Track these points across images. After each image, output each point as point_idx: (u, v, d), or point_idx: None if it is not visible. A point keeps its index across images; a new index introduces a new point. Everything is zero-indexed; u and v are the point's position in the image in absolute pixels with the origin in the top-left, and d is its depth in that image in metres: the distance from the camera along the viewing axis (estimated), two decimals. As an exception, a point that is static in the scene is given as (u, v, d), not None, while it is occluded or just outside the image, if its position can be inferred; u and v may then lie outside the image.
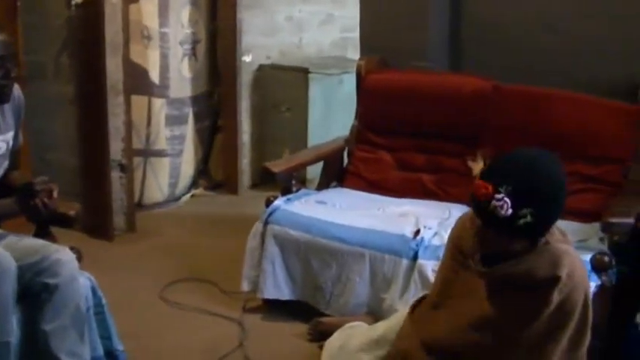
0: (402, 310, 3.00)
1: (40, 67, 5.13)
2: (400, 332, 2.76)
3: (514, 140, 3.99)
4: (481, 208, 2.29)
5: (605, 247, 3.40)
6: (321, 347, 3.22)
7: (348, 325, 3.28)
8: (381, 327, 2.97)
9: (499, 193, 2.24)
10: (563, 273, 2.33)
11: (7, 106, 3.12)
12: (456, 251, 2.63)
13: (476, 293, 2.49)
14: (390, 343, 2.81)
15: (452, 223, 3.69)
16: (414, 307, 2.82)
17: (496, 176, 2.28)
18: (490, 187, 2.25)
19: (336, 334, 3.17)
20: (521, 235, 2.31)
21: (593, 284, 3.12)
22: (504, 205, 2.22)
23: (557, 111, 4.09)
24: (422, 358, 2.60)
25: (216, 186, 6.22)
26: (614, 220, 3.34)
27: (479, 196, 2.28)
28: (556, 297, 2.33)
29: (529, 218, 2.24)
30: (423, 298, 2.87)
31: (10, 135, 3.16)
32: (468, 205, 3.78)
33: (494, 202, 2.24)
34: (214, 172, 6.24)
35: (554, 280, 2.32)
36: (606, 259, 3.27)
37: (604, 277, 3.26)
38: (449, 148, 4.38)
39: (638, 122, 3.91)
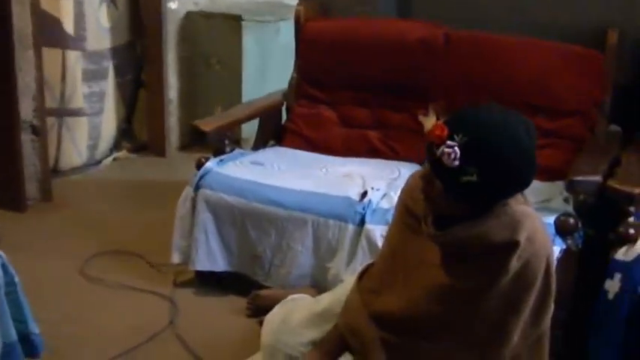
0: (349, 280, 2.99)
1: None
2: (347, 304, 2.76)
3: (468, 92, 4.05)
4: (431, 152, 2.29)
5: (569, 208, 3.43)
6: (260, 323, 3.21)
7: (290, 297, 3.27)
8: (326, 299, 2.97)
9: (452, 140, 2.23)
10: (522, 237, 2.32)
11: None
12: (407, 213, 2.62)
13: (429, 260, 2.48)
14: (336, 316, 2.80)
15: (402, 183, 3.68)
16: (362, 276, 2.82)
17: (456, 123, 2.27)
18: (445, 132, 2.25)
19: (276, 308, 3.16)
20: (463, 194, 2.30)
21: (557, 249, 3.15)
22: (452, 155, 2.22)
23: (514, 59, 4.10)
24: (372, 332, 2.60)
25: (140, 148, 6.17)
26: (579, 177, 3.35)
27: (431, 137, 2.27)
28: (514, 264, 2.33)
29: (474, 177, 2.22)
30: (370, 265, 2.87)
31: None
32: (419, 163, 3.83)
33: (444, 148, 2.23)
34: (138, 132, 6.19)
35: (513, 245, 2.32)
36: (571, 221, 3.30)
37: (569, 241, 3.28)
38: (397, 103, 4.39)
39: (603, 69, 3.93)
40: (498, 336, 2.44)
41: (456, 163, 2.23)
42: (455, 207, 2.37)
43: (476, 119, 2.30)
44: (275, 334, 2.96)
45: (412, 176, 2.70)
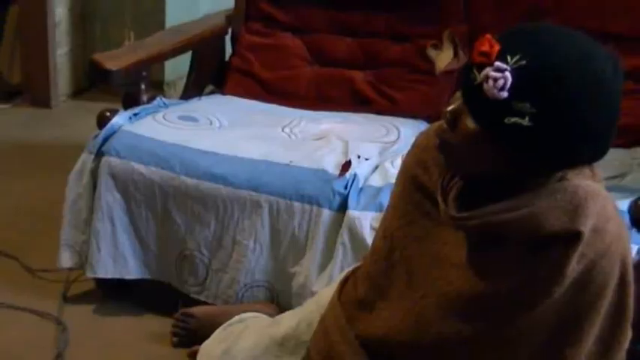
0: (324, 292, 3.02)
1: None
2: (322, 325, 2.78)
3: (502, 12, 4.04)
4: (469, 75, 2.25)
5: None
6: (192, 355, 3.24)
7: (236, 317, 3.29)
8: (290, 320, 3.00)
9: (504, 61, 2.20)
10: (587, 227, 2.29)
11: None
12: (415, 188, 2.63)
13: (448, 258, 2.50)
14: (304, 345, 2.83)
15: (402, 149, 3.76)
16: (344, 283, 2.83)
17: (512, 40, 2.23)
18: (496, 48, 2.20)
19: (216, 333, 3.18)
20: (504, 144, 2.26)
21: (634, 248, 3.10)
22: (500, 80, 2.15)
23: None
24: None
25: (12, 94, 6.17)
26: None
27: (476, 54, 2.22)
28: (574, 266, 2.30)
29: (525, 120, 2.16)
30: (357, 268, 2.88)
31: None
32: (429, 119, 3.85)
33: (489, 71, 2.18)
34: (9, 72, 6.19)
35: (572, 237, 2.29)
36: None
37: (651, 237, 3.28)
38: (394, 27, 4.41)
39: None
40: None
41: (504, 94, 2.17)
42: (489, 164, 2.34)
43: (541, 39, 2.24)
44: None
45: (423, 134, 2.68)
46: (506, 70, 2.15)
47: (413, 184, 2.62)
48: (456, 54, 4.23)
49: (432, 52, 4.29)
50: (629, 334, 2.45)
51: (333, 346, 2.68)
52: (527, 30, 2.27)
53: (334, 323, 2.72)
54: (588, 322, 2.38)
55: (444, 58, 4.26)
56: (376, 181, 3.65)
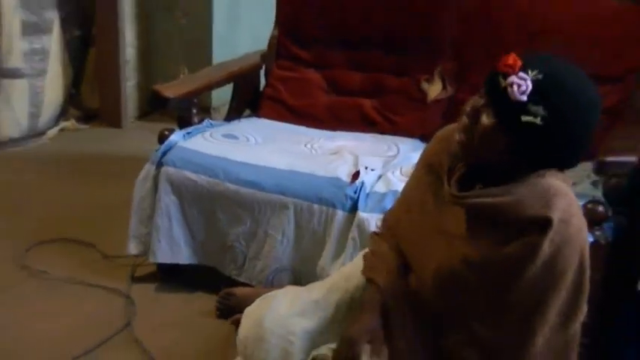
0: (344, 268, 3.05)
1: None
2: (373, 264, 2.79)
3: (483, 53, 4.02)
4: (495, 80, 2.34)
5: (599, 194, 3.40)
6: (235, 323, 3.23)
7: (270, 293, 3.27)
8: (320, 286, 3.00)
9: (525, 72, 2.29)
10: (556, 216, 2.34)
11: None
12: (428, 170, 2.67)
13: (451, 231, 2.53)
14: (334, 305, 2.86)
15: (401, 162, 3.77)
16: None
17: (533, 59, 2.33)
18: (519, 62, 2.30)
19: (257, 301, 3.17)
20: (517, 137, 2.33)
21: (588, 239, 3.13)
22: (523, 86, 2.28)
23: (541, 10, 4.08)
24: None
25: (91, 117, 6.17)
26: (610, 158, 3.31)
27: (501, 66, 2.33)
28: (545, 250, 2.34)
29: (538, 120, 2.28)
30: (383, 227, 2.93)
31: None
32: (422, 138, 3.84)
33: (513, 78, 2.29)
34: (88, 98, 6.19)
35: (544, 222, 2.33)
36: (601, 208, 3.26)
37: (597, 233, 3.25)
38: (396, 65, 4.39)
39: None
40: (518, 334, 2.45)
41: (524, 98, 2.28)
42: (494, 154, 2.39)
43: (553, 61, 2.36)
44: (258, 325, 2.96)
45: (440, 131, 2.72)
46: (527, 79, 2.27)
47: (428, 167, 2.68)
48: (444, 87, 4.23)
49: (425, 85, 4.28)
50: (584, 308, 2.48)
51: (395, 284, 2.70)
52: (543, 55, 2.39)
53: (395, 266, 2.74)
54: (553, 298, 2.40)
55: (434, 90, 4.26)
56: (380, 187, 3.63)
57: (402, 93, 4.35)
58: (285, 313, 2.94)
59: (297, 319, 2.90)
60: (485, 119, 2.36)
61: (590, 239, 3.21)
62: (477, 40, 4.18)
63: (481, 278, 2.46)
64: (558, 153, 2.38)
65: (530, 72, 2.29)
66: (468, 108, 2.42)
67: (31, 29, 5.60)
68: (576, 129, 2.33)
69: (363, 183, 3.66)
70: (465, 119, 2.42)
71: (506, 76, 2.30)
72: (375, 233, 2.93)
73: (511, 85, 2.28)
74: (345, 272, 2.94)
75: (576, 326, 2.49)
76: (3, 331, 3.64)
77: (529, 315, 2.42)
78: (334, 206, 3.64)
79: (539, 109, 2.27)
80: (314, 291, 2.99)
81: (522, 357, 2.46)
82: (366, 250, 2.90)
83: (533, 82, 2.28)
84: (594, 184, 3.51)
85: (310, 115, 4.43)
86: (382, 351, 2.66)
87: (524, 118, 2.29)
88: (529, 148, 2.35)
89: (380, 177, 3.72)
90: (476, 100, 2.40)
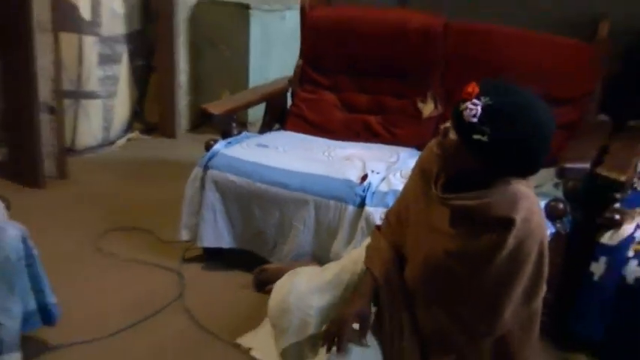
0: (353, 251, 3.02)
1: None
2: (378, 253, 2.77)
3: (464, 80, 3.99)
4: (457, 105, 2.33)
5: (559, 194, 3.41)
6: (267, 293, 3.21)
7: (295, 269, 3.26)
8: (334, 268, 2.98)
9: (478, 99, 2.27)
10: (519, 217, 2.33)
11: None
12: (422, 176, 2.64)
13: (439, 228, 2.51)
14: (344, 284, 2.84)
15: (400, 167, 3.74)
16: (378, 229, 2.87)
17: (487, 87, 2.31)
18: (476, 91, 2.29)
19: (285, 277, 3.16)
20: (472, 151, 2.31)
21: (549, 231, 3.13)
22: (474, 111, 2.26)
23: (510, 49, 4.07)
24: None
25: (152, 129, 6.16)
26: (569, 165, 3.31)
27: (463, 92, 2.32)
28: (511, 242, 2.34)
29: (485, 138, 2.26)
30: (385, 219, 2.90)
31: None
32: (418, 148, 3.81)
33: (467, 104, 2.28)
34: (150, 114, 6.17)
35: (509, 222, 2.33)
36: (561, 205, 3.28)
37: (558, 225, 3.27)
38: (396, 88, 4.36)
39: (594, 60, 3.89)
40: (490, 310, 2.44)
41: (474, 120, 2.27)
42: (461, 163, 2.38)
43: (505, 89, 2.33)
44: (284, 299, 2.96)
45: (431, 142, 2.70)
46: (478, 105, 2.25)
47: (421, 172, 2.66)
48: (435, 107, 4.20)
49: (420, 105, 4.25)
50: (544, 288, 2.48)
51: (388, 270, 2.69)
52: (496, 82, 2.35)
53: (389, 256, 2.73)
54: (517, 280, 2.40)
55: (428, 109, 4.23)
56: (383, 187, 3.60)
57: (401, 111, 4.33)
58: (305, 289, 2.93)
59: (314, 295, 2.90)
60: (451, 136, 2.35)
61: (552, 230, 3.23)
62: (459, 71, 4.15)
63: (460, 266, 2.46)
64: (511, 164, 2.35)
65: (483, 98, 2.27)
66: (441, 127, 2.42)
67: (106, 60, 5.59)
68: (521, 145, 2.30)
69: (370, 183, 3.64)
70: (439, 136, 2.42)
71: (465, 101, 2.30)
72: (376, 228, 2.90)
73: (465, 109, 2.28)
74: (354, 256, 2.92)
75: (538, 302, 2.50)
76: (77, 300, 3.61)
77: (498, 294, 2.42)
78: (346, 202, 3.62)
79: (486, 129, 2.25)
80: (328, 271, 2.98)
81: (494, 328, 2.47)
82: (369, 240, 2.87)
83: (483, 106, 2.26)
84: (556, 185, 3.53)
85: (327, 129, 4.40)
86: (367, 332, 2.68)
87: (475, 136, 2.27)
88: (485, 160, 2.32)
89: (383, 179, 3.69)
90: (447, 121, 2.40)
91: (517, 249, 2.36)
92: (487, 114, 2.26)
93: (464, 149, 2.33)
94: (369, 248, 2.81)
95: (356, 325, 2.66)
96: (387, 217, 2.87)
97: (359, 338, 2.66)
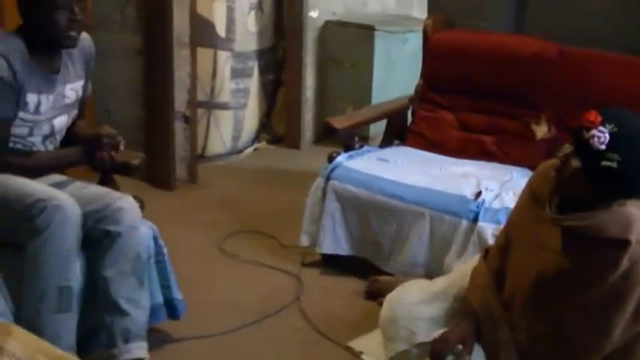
0: (462, 267, 2.99)
1: (106, 18, 5.13)
2: (474, 280, 2.73)
3: (577, 105, 3.93)
4: (579, 134, 2.29)
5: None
6: (380, 304, 3.21)
7: (406, 283, 3.25)
8: (442, 281, 2.96)
9: (604, 126, 2.24)
10: (634, 238, 2.29)
11: (76, 56, 3.13)
12: (532, 197, 2.60)
13: (549, 246, 2.46)
14: (451, 296, 2.81)
15: (513, 186, 3.70)
16: (485, 255, 2.81)
17: (609, 114, 2.28)
18: (599, 119, 2.26)
19: (396, 289, 3.15)
20: (598, 178, 2.28)
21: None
22: (601, 138, 2.23)
23: (619, 76, 4.00)
24: (501, 310, 2.61)
25: (278, 140, 6.22)
26: None
27: (584, 121, 2.28)
28: (625, 262, 2.29)
29: (614, 165, 2.22)
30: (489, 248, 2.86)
31: (80, 84, 3.17)
32: (530, 168, 3.76)
33: (593, 131, 2.24)
34: (277, 126, 6.24)
35: (624, 243, 2.29)
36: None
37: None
38: (510, 110, 4.32)
39: None
40: (600, 330, 2.39)
41: (603, 147, 2.23)
42: (582, 189, 2.34)
43: (627, 116, 2.31)
44: (393, 309, 2.96)
45: (544, 164, 2.66)
46: (605, 132, 2.22)
47: (531, 195, 2.61)
48: (549, 129, 4.15)
49: (533, 127, 4.20)
50: None
51: (486, 297, 2.65)
52: (616, 110, 2.33)
53: (485, 282, 2.69)
54: (628, 300, 2.34)
55: (541, 131, 4.17)
56: (496, 204, 3.58)
57: (515, 132, 4.28)
58: (413, 301, 2.91)
59: (422, 307, 2.87)
60: (573, 163, 2.31)
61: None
62: (570, 95, 4.10)
63: (571, 285, 2.41)
64: (633, 188, 2.31)
65: (607, 125, 2.24)
66: (560, 153, 2.38)
67: (238, 73, 5.69)
68: None
69: (483, 200, 3.62)
70: (558, 162, 2.38)
71: (588, 129, 2.25)
72: (485, 250, 2.84)
73: (592, 137, 2.24)
74: (463, 271, 2.88)
75: None
76: (200, 297, 3.69)
77: (609, 314, 2.37)
78: (460, 217, 3.61)
79: (615, 156, 2.22)
80: (436, 284, 2.96)
81: (603, 348, 2.41)
82: (479, 256, 2.84)
83: (610, 134, 2.23)
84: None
85: (444, 147, 4.37)
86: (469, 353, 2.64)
87: (604, 163, 2.24)
88: (609, 186, 2.29)
89: (496, 196, 3.66)
90: (566, 147, 2.36)
91: (630, 270, 2.31)
92: (616, 141, 2.23)
93: (584, 176, 2.30)
94: (472, 274, 2.77)
95: (459, 346, 2.64)
96: (497, 238, 2.84)
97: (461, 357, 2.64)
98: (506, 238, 2.70)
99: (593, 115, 2.27)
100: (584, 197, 2.36)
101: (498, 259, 2.70)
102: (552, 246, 2.45)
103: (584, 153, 2.28)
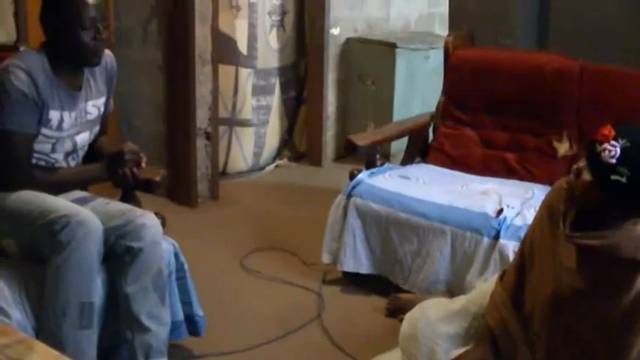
0: (483, 285, 2.98)
1: (128, 34, 5.18)
2: (493, 301, 2.73)
3: (599, 121, 3.91)
4: (592, 148, 2.31)
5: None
6: (401, 321, 3.21)
7: (425, 301, 3.25)
8: (462, 300, 2.95)
9: (616, 141, 2.25)
10: None
11: (99, 73, 3.15)
12: (547, 213, 2.60)
13: (564, 264, 2.46)
14: (471, 315, 2.80)
15: (535, 203, 3.68)
16: (501, 278, 2.80)
17: (622, 129, 2.28)
18: (613, 133, 2.27)
19: (416, 307, 3.15)
20: (607, 191, 2.28)
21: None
22: (613, 152, 2.24)
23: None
24: (520, 331, 2.60)
25: (299, 157, 6.24)
26: None
27: (598, 135, 2.30)
28: (638, 282, 2.28)
29: (624, 179, 2.23)
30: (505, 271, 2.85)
31: (102, 101, 3.20)
32: (552, 185, 3.75)
33: (605, 145, 2.25)
34: (298, 143, 6.26)
35: (636, 264, 2.28)
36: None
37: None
38: (532, 127, 4.31)
39: None
40: (619, 347, 2.37)
41: (613, 161, 2.24)
42: (593, 203, 2.34)
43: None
44: (413, 326, 2.95)
45: (557, 183, 2.66)
46: (617, 146, 2.23)
47: (547, 211, 2.60)
48: (570, 146, 4.14)
49: (555, 144, 4.19)
50: None
51: (503, 316, 2.64)
52: (632, 125, 2.34)
53: (501, 301, 2.68)
54: None
55: (563, 148, 4.17)
56: (518, 221, 3.57)
57: (537, 149, 4.27)
58: (433, 318, 2.89)
59: (442, 325, 2.86)
60: (585, 176, 2.32)
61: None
62: (592, 112, 4.10)
63: (586, 303, 2.41)
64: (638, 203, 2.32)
65: (620, 140, 2.25)
66: (574, 167, 2.39)
67: (259, 90, 5.72)
68: None
69: (505, 217, 3.61)
70: (571, 176, 2.39)
71: (601, 143, 2.27)
72: (503, 272, 2.84)
73: (604, 150, 2.25)
74: (484, 289, 2.88)
75: None
76: (222, 313, 3.70)
77: (624, 335, 2.36)
78: (482, 234, 3.60)
79: (625, 170, 2.23)
80: (456, 302, 2.95)
81: None
82: (499, 275, 2.83)
83: (622, 148, 2.24)
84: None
85: (466, 164, 4.37)
86: None
87: (613, 177, 2.24)
88: (619, 201, 2.29)
89: (518, 213, 3.65)
90: (582, 161, 2.37)
91: None
92: (626, 156, 2.23)
93: (595, 189, 2.30)
94: (490, 295, 2.77)
95: None
96: (515, 255, 2.83)
97: None
98: (523, 255, 2.69)
99: (608, 129, 2.29)
100: (595, 211, 2.36)
101: (515, 276, 2.69)
102: (568, 263, 2.44)
103: (595, 166, 2.29)
